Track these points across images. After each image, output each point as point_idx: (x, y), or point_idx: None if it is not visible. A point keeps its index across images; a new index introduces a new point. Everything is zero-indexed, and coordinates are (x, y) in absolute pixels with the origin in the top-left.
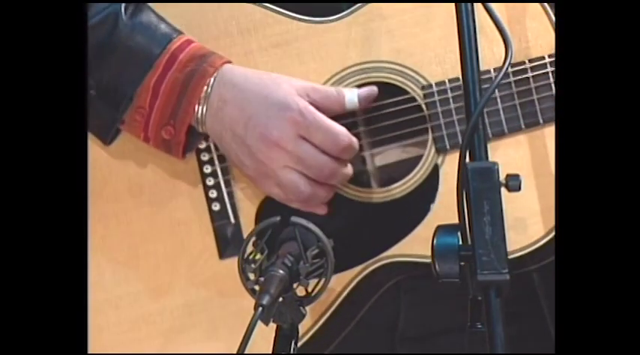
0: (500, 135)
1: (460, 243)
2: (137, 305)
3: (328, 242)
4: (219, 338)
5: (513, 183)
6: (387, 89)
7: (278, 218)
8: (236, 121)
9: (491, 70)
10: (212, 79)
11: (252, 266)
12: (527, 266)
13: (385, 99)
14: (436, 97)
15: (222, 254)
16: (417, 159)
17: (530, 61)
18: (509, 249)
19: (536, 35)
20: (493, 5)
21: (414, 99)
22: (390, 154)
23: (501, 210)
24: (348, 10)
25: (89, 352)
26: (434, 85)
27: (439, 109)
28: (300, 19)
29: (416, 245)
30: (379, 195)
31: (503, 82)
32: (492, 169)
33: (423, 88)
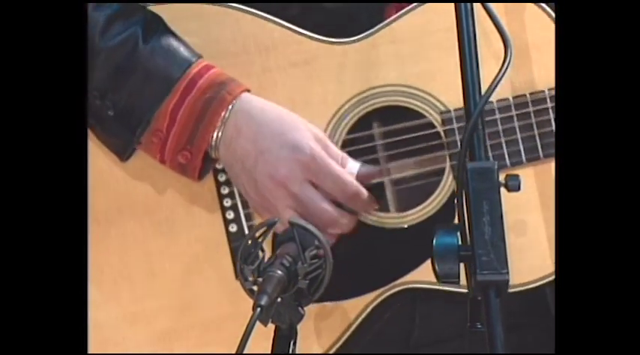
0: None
1: (460, 243)
2: (152, 323)
3: (327, 243)
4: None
5: (513, 183)
6: (406, 114)
7: (277, 219)
8: (247, 154)
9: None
10: (230, 107)
11: (251, 266)
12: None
13: (403, 124)
14: (455, 125)
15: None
16: (435, 184)
17: (531, 93)
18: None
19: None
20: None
21: (432, 125)
22: (407, 179)
23: (501, 211)
24: (367, 32)
25: None
26: (452, 111)
27: (457, 137)
28: (319, 40)
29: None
30: (396, 220)
31: (506, 115)
32: (492, 169)
33: (441, 113)
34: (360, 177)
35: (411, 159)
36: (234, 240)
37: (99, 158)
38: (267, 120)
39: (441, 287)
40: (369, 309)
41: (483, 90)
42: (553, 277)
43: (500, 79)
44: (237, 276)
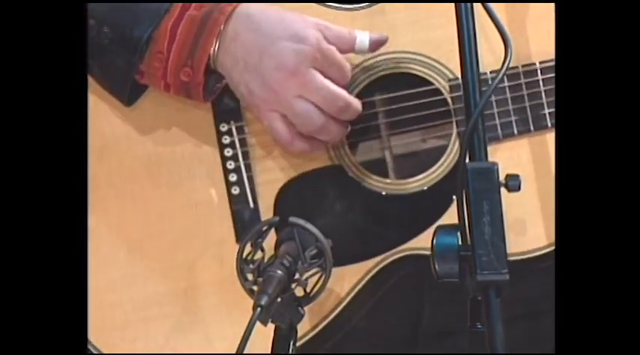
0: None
1: (460, 243)
2: (150, 285)
3: (327, 242)
4: (233, 320)
5: (513, 183)
6: (413, 81)
7: (277, 218)
8: (250, 51)
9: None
10: (229, 16)
11: (251, 266)
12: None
13: (410, 91)
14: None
15: (240, 238)
16: (438, 151)
17: (523, 66)
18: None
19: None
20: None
21: (439, 92)
22: (410, 146)
23: (501, 211)
24: None
25: (99, 330)
26: (460, 78)
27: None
28: (328, 6)
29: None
30: (400, 186)
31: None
32: (492, 169)
33: (449, 80)
34: (372, 45)
35: (415, 129)
36: (236, 203)
37: (100, 120)
38: (266, 17)
39: None
40: (371, 274)
41: None
42: (549, 249)
43: (501, 78)
44: (238, 240)
